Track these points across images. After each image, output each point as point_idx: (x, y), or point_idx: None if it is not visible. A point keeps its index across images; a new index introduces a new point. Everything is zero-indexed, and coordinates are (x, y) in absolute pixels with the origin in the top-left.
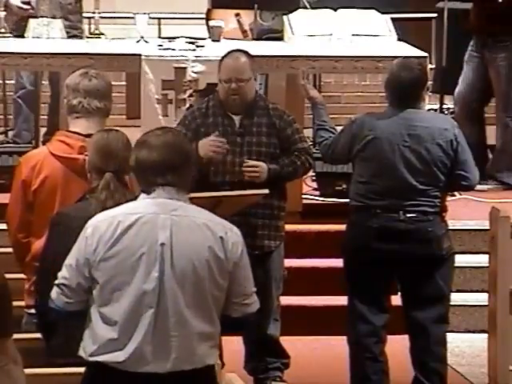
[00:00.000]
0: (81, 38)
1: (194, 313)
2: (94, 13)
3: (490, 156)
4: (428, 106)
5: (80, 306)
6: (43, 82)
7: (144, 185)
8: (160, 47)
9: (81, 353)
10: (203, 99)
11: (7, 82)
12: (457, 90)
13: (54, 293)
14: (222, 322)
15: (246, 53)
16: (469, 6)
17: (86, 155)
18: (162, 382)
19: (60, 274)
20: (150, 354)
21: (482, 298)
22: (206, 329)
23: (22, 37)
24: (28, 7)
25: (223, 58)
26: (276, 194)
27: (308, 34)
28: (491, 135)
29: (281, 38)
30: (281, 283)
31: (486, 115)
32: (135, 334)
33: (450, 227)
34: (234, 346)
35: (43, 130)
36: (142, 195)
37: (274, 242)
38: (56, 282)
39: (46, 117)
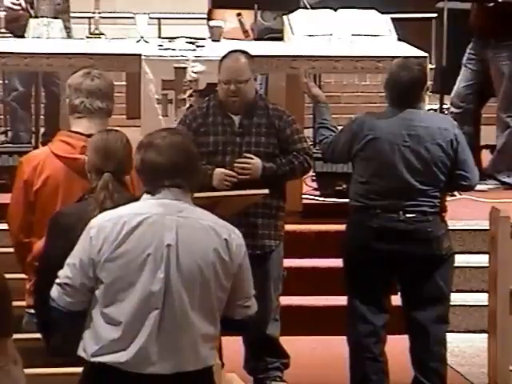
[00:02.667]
0: (70, 37)
1: (199, 314)
2: (93, 13)
3: (490, 156)
4: (428, 106)
5: (82, 305)
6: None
7: (150, 186)
8: (160, 47)
9: (81, 353)
10: (204, 99)
11: (7, 82)
12: (454, 91)
13: (56, 292)
14: (224, 324)
15: (245, 53)
16: (469, 6)
17: (86, 155)
18: (165, 383)
19: (62, 273)
20: (155, 354)
21: (482, 298)
22: (210, 330)
23: (22, 37)
24: (18, 8)
25: (223, 58)
26: (275, 194)
27: (308, 34)
28: (491, 135)
29: (282, 38)
30: (280, 283)
31: (486, 115)
32: (139, 334)
33: (450, 227)
34: (234, 345)
35: (43, 130)
36: (146, 196)
37: (274, 242)
38: (57, 280)
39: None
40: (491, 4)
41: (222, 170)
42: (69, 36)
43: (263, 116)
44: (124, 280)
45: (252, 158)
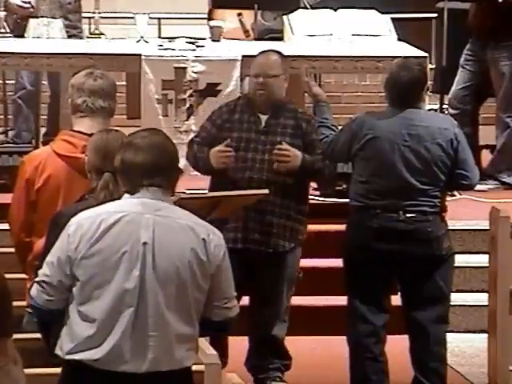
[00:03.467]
0: (80, 37)
1: (174, 314)
2: (94, 13)
3: (490, 156)
4: (428, 106)
5: (61, 303)
6: (43, 83)
7: (129, 186)
8: (160, 47)
9: (57, 351)
10: (203, 99)
11: (7, 82)
12: (451, 92)
13: (34, 290)
14: (202, 325)
15: (278, 52)
16: (469, 6)
17: (86, 155)
18: (139, 382)
19: (41, 272)
20: (128, 353)
21: (482, 298)
22: (186, 331)
23: (22, 37)
24: (28, 6)
25: (256, 56)
26: (296, 196)
27: (308, 34)
28: (491, 135)
29: (282, 38)
30: (293, 285)
31: (486, 115)
32: (113, 332)
33: (450, 227)
34: (240, 346)
35: (43, 130)
36: (126, 195)
37: (289, 244)
38: (36, 279)
39: (45, 117)
40: (491, 4)
41: (215, 148)
42: (80, 36)
43: (291, 118)
44: (99, 277)
45: (289, 150)
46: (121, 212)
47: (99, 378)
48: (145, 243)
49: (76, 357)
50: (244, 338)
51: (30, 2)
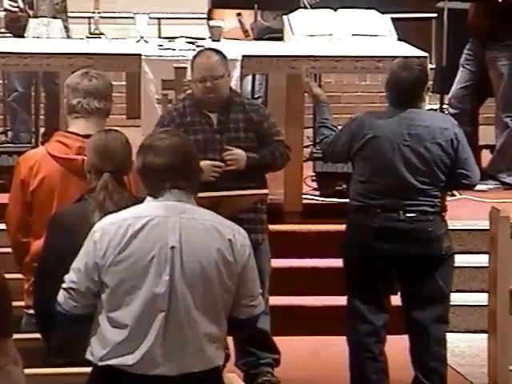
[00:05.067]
0: (69, 37)
1: (203, 315)
2: (93, 13)
3: (490, 156)
4: (428, 106)
5: (88, 309)
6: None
7: (151, 189)
8: (160, 47)
9: (88, 356)
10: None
11: (6, 82)
12: (451, 92)
13: (62, 297)
14: (230, 323)
15: (216, 51)
16: (468, 6)
17: (85, 155)
18: None
19: (67, 278)
20: (161, 356)
21: (482, 298)
22: (215, 330)
23: (22, 37)
24: (16, 10)
25: (194, 57)
26: (257, 187)
27: (308, 33)
28: (490, 135)
29: (282, 38)
30: (267, 277)
31: (486, 115)
32: (146, 337)
33: (450, 227)
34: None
35: (43, 130)
36: (149, 198)
37: (262, 235)
38: (63, 285)
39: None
40: (490, 4)
41: (208, 162)
42: (68, 36)
43: (240, 111)
44: (129, 283)
45: (234, 151)
46: (146, 216)
47: (131, 382)
48: (172, 247)
49: (109, 362)
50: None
51: (18, 6)
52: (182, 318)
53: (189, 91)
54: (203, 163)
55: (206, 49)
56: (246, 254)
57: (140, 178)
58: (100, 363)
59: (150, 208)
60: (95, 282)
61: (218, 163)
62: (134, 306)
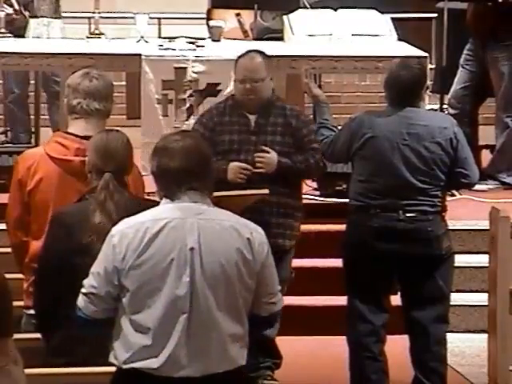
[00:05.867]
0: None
1: (225, 315)
2: (94, 13)
3: (490, 156)
4: (428, 106)
5: (108, 313)
6: (32, 82)
7: (167, 191)
8: (160, 47)
9: (112, 360)
10: (203, 99)
11: (1, 82)
12: (451, 92)
13: (82, 301)
14: (250, 321)
15: (261, 53)
16: (467, 5)
17: (84, 157)
18: None
19: (87, 283)
20: (185, 358)
21: (482, 298)
22: (237, 330)
23: (22, 37)
24: (10, 12)
25: (239, 58)
26: (292, 193)
27: (308, 33)
28: (490, 135)
29: (281, 38)
30: (286, 285)
31: (486, 115)
32: (169, 340)
33: (450, 227)
34: None
35: (43, 130)
36: (165, 200)
37: (289, 242)
38: (83, 290)
39: (47, 117)
40: (490, 4)
41: (237, 163)
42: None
43: (280, 115)
44: (149, 286)
45: (268, 152)
46: (164, 219)
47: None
48: (192, 248)
49: (134, 365)
50: None
51: (13, 8)
52: (205, 318)
53: (233, 92)
54: (231, 165)
55: (252, 50)
56: (264, 252)
57: (155, 180)
58: (124, 366)
59: (167, 210)
60: (115, 285)
61: (245, 165)
62: (155, 309)
